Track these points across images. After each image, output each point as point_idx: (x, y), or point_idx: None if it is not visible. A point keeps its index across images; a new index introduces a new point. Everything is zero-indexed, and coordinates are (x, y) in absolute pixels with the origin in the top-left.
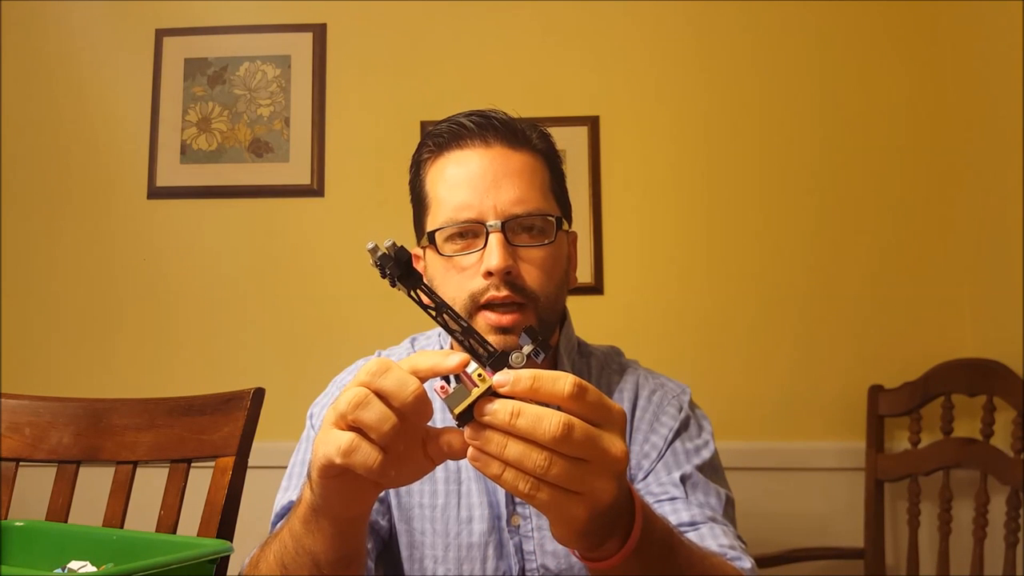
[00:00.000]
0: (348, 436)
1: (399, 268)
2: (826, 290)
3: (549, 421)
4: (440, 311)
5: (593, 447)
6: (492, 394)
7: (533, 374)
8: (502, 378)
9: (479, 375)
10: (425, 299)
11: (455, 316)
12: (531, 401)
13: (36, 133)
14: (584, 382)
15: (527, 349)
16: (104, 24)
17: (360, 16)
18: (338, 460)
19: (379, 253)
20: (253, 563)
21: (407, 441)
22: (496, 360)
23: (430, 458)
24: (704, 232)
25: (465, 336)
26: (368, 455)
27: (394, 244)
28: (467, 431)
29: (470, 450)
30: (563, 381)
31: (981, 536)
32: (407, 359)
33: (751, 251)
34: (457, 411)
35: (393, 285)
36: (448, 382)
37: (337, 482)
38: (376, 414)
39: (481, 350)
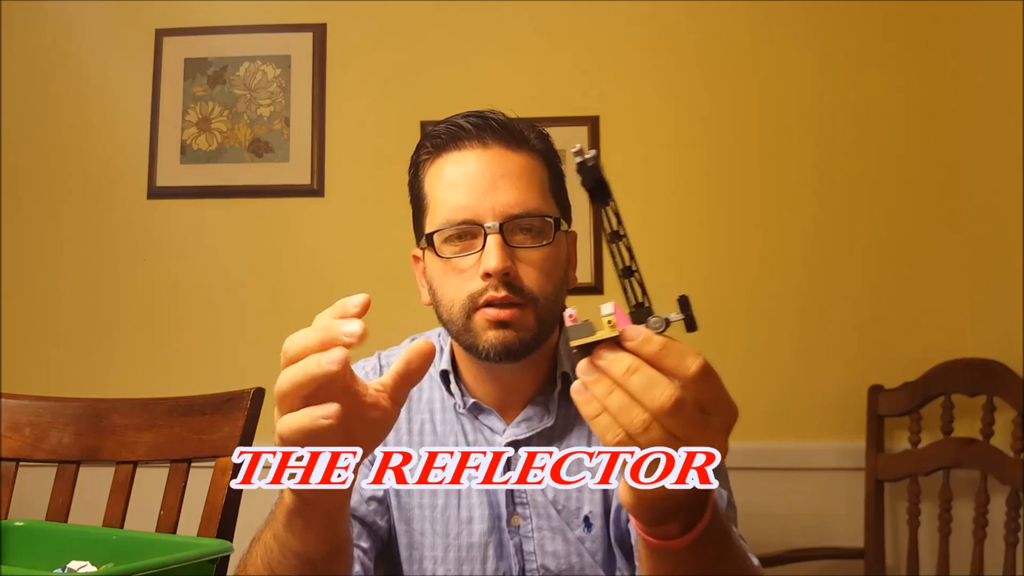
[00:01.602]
0: (299, 412)
1: (590, 182)
2: (826, 290)
3: (662, 391)
4: (614, 240)
5: (695, 433)
6: (616, 343)
7: (664, 341)
8: (633, 333)
9: (609, 321)
10: (612, 220)
11: (628, 249)
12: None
13: (36, 133)
14: (712, 368)
15: (675, 317)
16: (104, 24)
17: (360, 16)
18: (300, 433)
19: (578, 160)
20: (241, 565)
21: (348, 400)
22: (637, 313)
23: (393, 403)
24: (704, 232)
25: (625, 275)
26: (324, 410)
27: (595, 156)
28: (582, 365)
29: (576, 383)
30: (692, 359)
31: (981, 536)
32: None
33: (751, 251)
34: (574, 344)
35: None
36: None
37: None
38: (301, 375)
39: (631, 296)
